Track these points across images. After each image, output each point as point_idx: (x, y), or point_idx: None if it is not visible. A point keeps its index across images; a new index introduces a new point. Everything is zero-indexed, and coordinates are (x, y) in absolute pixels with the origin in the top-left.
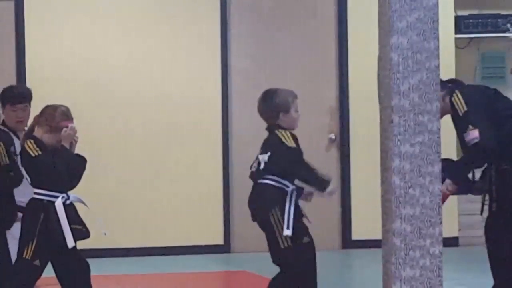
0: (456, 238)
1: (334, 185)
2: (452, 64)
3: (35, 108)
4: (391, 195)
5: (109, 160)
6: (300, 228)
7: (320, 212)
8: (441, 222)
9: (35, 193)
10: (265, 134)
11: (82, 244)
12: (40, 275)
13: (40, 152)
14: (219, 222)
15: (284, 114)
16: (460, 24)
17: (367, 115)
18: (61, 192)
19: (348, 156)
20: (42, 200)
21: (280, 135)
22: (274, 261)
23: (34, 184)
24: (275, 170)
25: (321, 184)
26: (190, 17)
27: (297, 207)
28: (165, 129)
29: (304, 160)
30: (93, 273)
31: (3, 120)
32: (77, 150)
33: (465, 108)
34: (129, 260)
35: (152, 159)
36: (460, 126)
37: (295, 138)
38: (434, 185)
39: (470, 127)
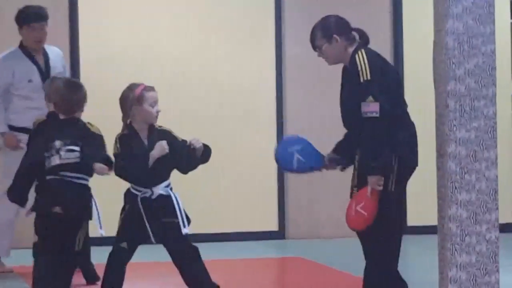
0: None
1: None
2: (508, 49)
3: (92, 99)
4: (447, 181)
5: None
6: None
7: None
8: (497, 208)
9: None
10: (320, 121)
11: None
12: (129, 259)
13: (118, 151)
14: (274, 209)
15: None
16: None
17: (423, 100)
18: (145, 187)
19: None
20: (129, 190)
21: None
22: None
23: None
24: None
25: None
26: (244, 4)
27: None
28: (219, 117)
29: None
30: (151, 259)
31: (21, 42)
32: None
33: (369, 77)
34: None
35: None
36: (361, 93)
37: None
38: (490, 171)
39: (371, 98)
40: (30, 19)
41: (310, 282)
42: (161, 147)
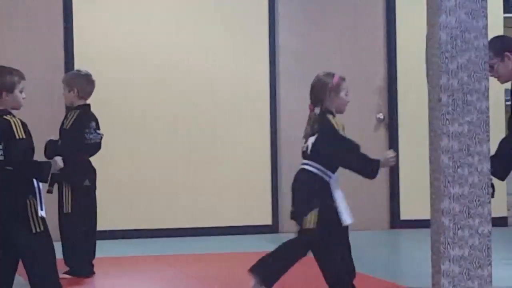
0: (504, 218)
1: None
2: None
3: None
4: (440, 175)
5: (158, 140)
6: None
7: (368, 192)
8: (490, 202)
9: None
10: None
11: (135, 225)
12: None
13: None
14: (267, 203)
15: (8, 93)
16: (509, 3)
17: (416, 94)
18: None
19: (396, 135)
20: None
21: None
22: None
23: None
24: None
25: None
26: None
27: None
28: (213, 109)
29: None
30: (145, 253)
31: None
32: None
33: None
34: (176, 240)
35: (201, 140)
36: None
37: (24, 126)
38: (482, 164)
39: None
40: None
41: (304, 276)
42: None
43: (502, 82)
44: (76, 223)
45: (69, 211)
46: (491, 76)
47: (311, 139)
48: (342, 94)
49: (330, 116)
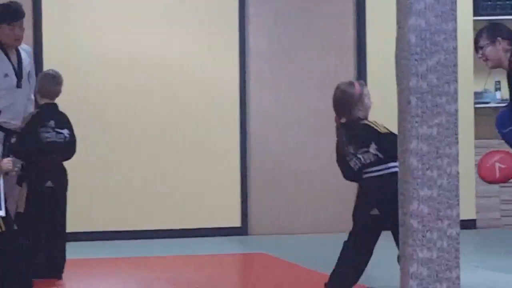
0: (473, 221)
1: None
2: (470, 47)
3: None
4: (409, 177)
5: (125, 142)
6: None
7: (336, 195)
8: (458, 204)
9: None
10: (284, 116)
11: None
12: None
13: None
14: (236, 204)
15: None
16: (479, 6)
17: (385, 96)
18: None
19: None
20: None
21: None
22: None
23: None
24: None
25: None
26: None
27: None
28: (182, 111)
29: None
30: (109, 255)
31: None
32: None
33: None
34: (145, 242)
35: (169, 142)
36: None
37: None
38: (451, 167)
39: None
40: (12, 17)
41: (273, 278)
42: None
43: (490, 67)
44: (26, 224)
45: (21, 211)
46: (480, 58)
47: (370, 149)
48: (366, 100)
49: (368, 122)
